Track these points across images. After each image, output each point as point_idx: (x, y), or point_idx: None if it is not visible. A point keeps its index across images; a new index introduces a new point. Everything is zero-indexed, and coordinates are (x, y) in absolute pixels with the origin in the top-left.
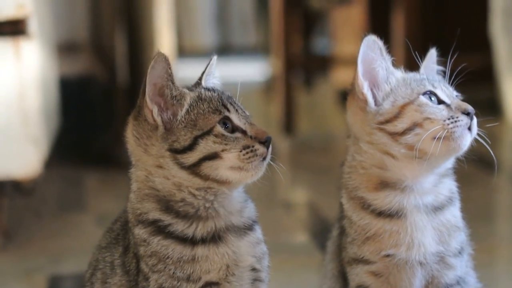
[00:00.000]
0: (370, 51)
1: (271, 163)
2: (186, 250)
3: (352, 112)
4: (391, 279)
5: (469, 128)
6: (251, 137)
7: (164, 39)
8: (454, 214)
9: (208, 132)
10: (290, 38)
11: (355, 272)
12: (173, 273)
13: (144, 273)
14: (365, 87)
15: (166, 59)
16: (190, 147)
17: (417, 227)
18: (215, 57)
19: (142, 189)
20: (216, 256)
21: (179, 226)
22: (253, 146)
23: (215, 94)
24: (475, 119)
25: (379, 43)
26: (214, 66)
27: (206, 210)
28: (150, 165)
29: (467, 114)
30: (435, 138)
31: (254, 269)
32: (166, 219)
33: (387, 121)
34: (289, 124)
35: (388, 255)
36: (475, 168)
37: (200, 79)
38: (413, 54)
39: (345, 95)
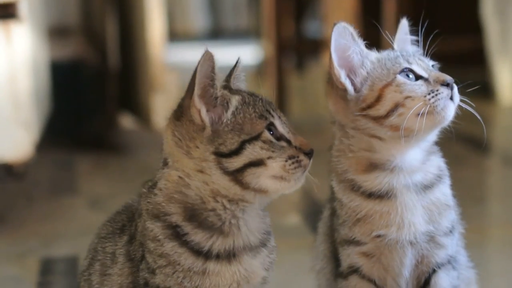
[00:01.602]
0: (341, 38)
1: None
2: (198, 262)
3: (333, 101)
4: (382, 259)
5: (451, 98)
6: (295, 147)
7: (155, 23)
8: (444, 192)
9: (256, 137)
10: (282, 22)
11: (347, 253)
12: (181, 281)
13: (150, 265)
14: (342, 76)
15: (212, 58)
16: (236, 152)
17: (407, 207)
18: (240, 59)
19: (170, 189)
20: (227, 272)
21: (197, 237)
22: (298, 157)
23: (258, 99)
24: (455, 88)
25: (350, 28)
26: (240, 69)
27: (230, 226)
28: (190, 168)
29: (447, 85)
30: (419, 114)
31: (263, 278)
32: (187, 227)
33: (369, 106)
34: (281, 107)
35: (379, 236)
36: (466, 149)
37: (228, 81)
38: (384, 33)
39: None
